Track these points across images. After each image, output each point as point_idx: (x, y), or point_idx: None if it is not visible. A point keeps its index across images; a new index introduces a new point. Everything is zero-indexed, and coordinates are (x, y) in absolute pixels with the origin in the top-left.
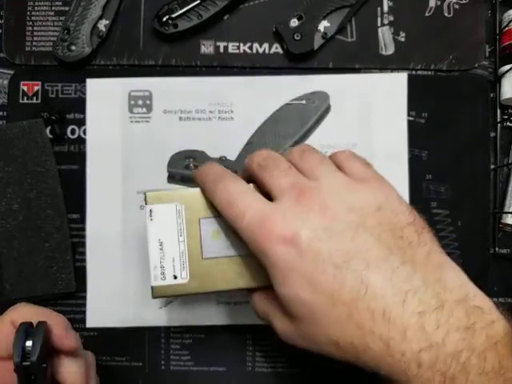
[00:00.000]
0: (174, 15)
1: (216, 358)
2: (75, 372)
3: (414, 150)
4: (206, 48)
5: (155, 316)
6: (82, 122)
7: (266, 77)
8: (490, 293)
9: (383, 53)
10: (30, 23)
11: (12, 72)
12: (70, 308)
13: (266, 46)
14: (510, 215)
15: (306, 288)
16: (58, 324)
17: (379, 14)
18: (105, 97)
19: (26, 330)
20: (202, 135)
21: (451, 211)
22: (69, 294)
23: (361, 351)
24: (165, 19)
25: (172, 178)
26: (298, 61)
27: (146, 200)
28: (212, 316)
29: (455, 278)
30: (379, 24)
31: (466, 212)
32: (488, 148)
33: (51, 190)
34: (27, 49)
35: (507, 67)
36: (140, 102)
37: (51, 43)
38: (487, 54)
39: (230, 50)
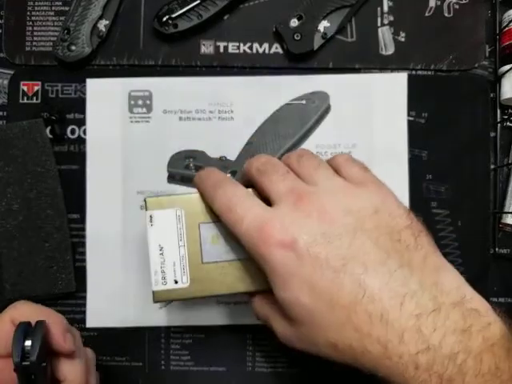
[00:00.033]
0: (174, 15)
1: (216, 357)
2: (75, 370)
3: (414, 150)
4: (206, 48)
5: (155, 316)
6: (81, 122)
7: (266, 77)
8: (489, 293)
9: (383, 53)
10: (30, 23)
11: (12, 72)
12: (69, 308)
13: (266, 45)
14: (509, 215)
15: (306, 292)
16: (56, 323)
17: (379, 14)
18: (105, 97)
19: (25, 329)
20: (202, 135)
21: (451, 211)
22: (69, 294)
23: (359, 353)
24: (165, 19)
25: (172, 178)
26: (297, 61)
27: (146, 206)
28: (212, 316)
29: (452, 281)
30: (379, 24)
31: (466, 212)
32: (488, 148)
33: (51, 190)
34: (27, 49)
35: (507, 67)
36: (140, 102)
37: (51, 43)
38: (487, 54)
39: (230, 50)
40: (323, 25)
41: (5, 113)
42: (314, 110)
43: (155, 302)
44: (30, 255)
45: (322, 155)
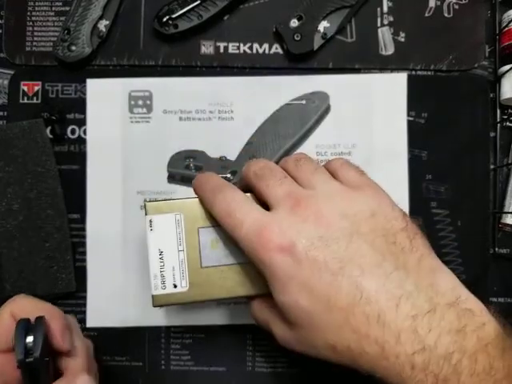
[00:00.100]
0: (174, 15)
1: (216, 357)
2: (75, 362)
3: (414, 150)
4: (206, 48)
5: (155, 316)
6: (82, 122)
7: (266, 77)
8: (489, 293)
9: (383, 53)
10: (31, 23)
11: (12, 72)
12: (70, 308)
13: (265, 46)
14: (509, 215)
15: (304, 295)
16: (55, 319)
17: (379, 14)
18: (105, 97)
19: (26, 325)
20: (202, 135)
21: (451, 211)
22: (69, 293)
23: (357, 355)
24: (165, 19)
25: (172, 178)
26: (297, 61)
27: (145, 210)
28: (212, 316)
29: (447, 282)
30: (379, 24)
31: (465, 212)
32: (488, 148)
33: (51, 190)
34: (27, 49)
35: (507, 67)
36: (140, 102)
37: (51, 43)
38: (487, 54)
39: (230, 51)
40: (323, 25)
41: (5, 113)
42: (314, 110)
43: (154, 306)
44: (30, 255)
45: (321, 155)
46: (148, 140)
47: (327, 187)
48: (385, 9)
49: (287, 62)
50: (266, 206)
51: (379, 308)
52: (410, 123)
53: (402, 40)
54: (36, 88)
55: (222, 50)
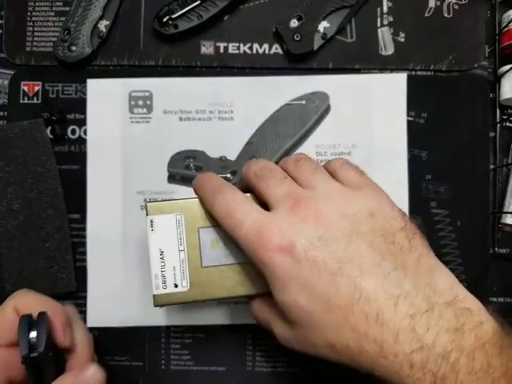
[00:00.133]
0: (174, 16)
1: (216, 357)
2: (80, 355)
3: (414, 150)
4: (206, 48)
5: (155, 316)
6: (82, 122)
7: (266, 77)
8: (489, 293)
9: (383, 53)
10: (31, 23)
11: (12, 72)
12: None
13: (265, 46)
14: (509, 215)
15: (304, 294)
16: (57, 314)
17: (379, 14)
18: (105, 97)
19: (29, 321)
20: (202, 135)
21: (451, 211)
22: (69, 293)
23: (356, 353)
24: (165, 20)
25: (172, 178)
26: (297, 61)
27: (146, 211)
28: (212, 316)
29: (445, 281)
30: (379, 24)
31: (465, 212)
32: (487, 148)
33: (52, 190)
34: (28, 49)
35: (507, 67)
36: (140, 103)
37: (52, 43)
38: (487, 55)
39: (230, 51)
40: (323, 25)
41: (5, 113)
42: (314, 111)
43: (155, 305)
44: (30, 255)
45: (321, 155)
46: (148, 140)
47: (327, 187)
48: (385, 9)
49: (287, 62)
50: (265, 206)
51: (378, 307)
52: (409, 123)
53: (402, 40)
54: (36, 88)
55: (222, 50)
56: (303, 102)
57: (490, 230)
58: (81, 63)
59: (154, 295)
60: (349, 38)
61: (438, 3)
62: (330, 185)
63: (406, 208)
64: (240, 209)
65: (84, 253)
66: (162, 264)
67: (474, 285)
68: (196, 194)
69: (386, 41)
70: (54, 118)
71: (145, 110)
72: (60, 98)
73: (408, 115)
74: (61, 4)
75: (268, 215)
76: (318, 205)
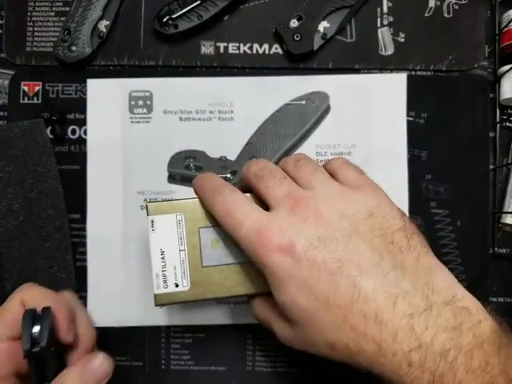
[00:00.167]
0: (174, 16)
1: (216, 357)
2: (84, 348)
3: (414, 150)
4: (206, 48)
5: (155, 315)
6: (82, 123)
7: (266, 77)
8: (489, 292)
9: (383, 53)
10: (31, 23)
11: (13, 72)
12: None
13: (265, 46)
14: (509, 215)
15: (304, 294)
16: (62, 309)
17: (379, 14)
18: (105, 97)
19: (33, 315)
20: (202, 135)
21: (450, 211)
22: None
23: (355, 352)
24: (165, 20)
25: (172, 178)
26: (297, 61)
27: (147, 211)
28: (212, 315)
29: (444, 281)
30: (379, 25)
31: (465, 212)
32: (487, 148)
33: (52, 190)
34: (28, 49)
35: (507, 67)
36: (140, 103)
37: (52, 43)
38: (487, 55)
39: (230, 51)
40: (323, 25)
41: (5, 113)
42: (314, 111)
43: (157, 305)
44: (30, 255)
45: (321, 155)
46: (148, 140)
47: (326, 188)
48: (385, 9)
49: (287, 62)
50: (265, 206)
51: (377, 306)
52: (409, 123)
53: (402, 40)
54: (36, 88)
55: (222, 51)
56: (303, 102)
57: (490, 230)
58: (81, 63)
59: (155, 294)
60: (349, 38)
61: (438, 3)
62: (330, 185)
63: (405, 208)
64: (240, 209)
65: (84, 253)
66: (163, 263)
67: (474, 285)
68: (196, 194)
69: (385, 41)
70: (54, 118)
71: (145, 110)
72: (60, 98)
73: (408, 115)
74: (61, 4)
75: (268, 215)
76: (318, 205)
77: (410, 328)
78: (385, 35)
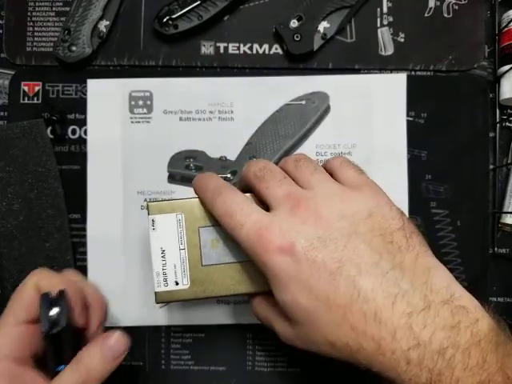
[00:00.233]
0: (174, 16)
1: (216, 357)
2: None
3: (414, 150)
4: (206, 49)
5: (155, 315)
6: (82, 123)
7: (266, 77)
8: (489, 292)
9: (383, 53)
10: (31, 24)
11: (13, 72)
12: None
13: (265, 46)
14: (509, 215)
15: (304, 294)
16: (75, 294)
17: (379, 14)
18: (105, 97)
19: (49, 298)
20: (202, 135)
21: (450, 211)
22: None
23: (355, 351)
24: (165, 20)
25: (172, 178)
26: (297, 61)
27: (148, 210)
28: (212, 315)
29: (442, 280)
30: (379, 25)
31: (465, 212)
32: (487, 148)
33: (52, 190)
34: (28, 49)
35: (506, 67)
36: (140, 103)
37: (52, 44)
38: (486, 55)
39: (230, 51)
40: (323, 25)
41: (5, 113)
42: (314, 111)
43: (157, 302)
44: (30, 255)
45: (321, 155)
46: (148, 140)
47: (326, 188)
48: (384, 9)
49: (287, 63)
50: (266, 206)
51: (376, 306)
52: (409, 123)
53: (402, 40)
54: (36, 88)
55: (222, 51)
56: (303, 102)
57: (490, 230)
58: (81, 63)
59: (155, 292)
60: (349, 38)
61: (438, 3)
62: (330, 185)
63: (405, 208)
64: (240, 210)
65: (84, 253)
66: (164, 262)
67: (474, 285)
68: (196, 194)
69: (385, 41)
70: (55, 118)
71: (145, 110)
72: (60, 98)
73: (408, 115)
74: (61, 4)
75: (268, 216)
76: (318, 206)
77: (409, 327)
78: (385, 35)
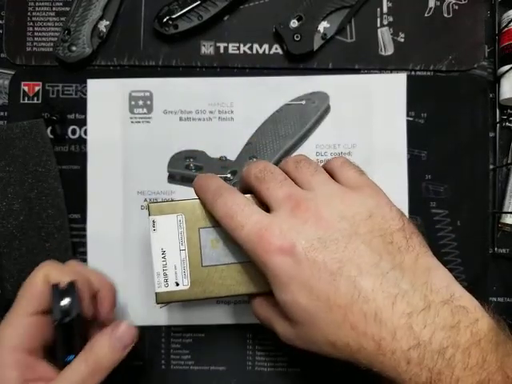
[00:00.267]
0: (174, 16)
1: (216, 357)
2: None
3: (414, 150)
4: (206, 49)
5: (155, 315)
6: (82, 123)
7: (266, 77)
8: (489, 292)
9: (383, 53)
10: (31, 24)
11: (13, 72)
12: None
13: (265, 46)
14: (509, 215)
15: (305, 294)
16: (84, 285)
17: (379, 14)
18: (105, 97)
19: (60, 289)
20: (202, 135)
21: (450, 211)
22: None
23: (355, 350)
24: (165, 20)
25: (172, 178)
26: (297, 61)
27: (149, 211)
28: (212, 315)
29: (442, 280)
30: (379, 25)
31: (465, 212)
32: (487, 148)
33: (52, 190)
34: (28, 49)
35: (506, 67)
36: (140, 103)
37: (52, 44)
38: (486, 55)
39: (230, 51)
40: (323, 25)
41: (5, 113)
42: (314, 111)
43: (158, 303)
44: (30, 255)
45: (321, 155)
46: (148, 140)
47: (327, 189)
48: (384, 9)
49: (287, 63)
50: (266, 207)
51: (376, 306)
52: (409, 123)
53: (402, 40)
54: (36, 88)
55: (222, 51)
56: (303, 102)
57: (490, 230)
58: (81, 63)
59: (156, 293)
60: (349, 38)
61: (438, 3)
62: (330, 186)
63: (405, 208)
64: (241, 211)
65: (84, 253)
66: (164, 263)
67: (474, 284)
68: (196, 195)
69: (385, 41)
70: (55, 118)
71: (145, 110)
72: (60, 98)
73: (408, 115)
74: (61, 4)
75: (269, 217)
76: (318, 207)
77: (409, 327)
78: (385, 35)
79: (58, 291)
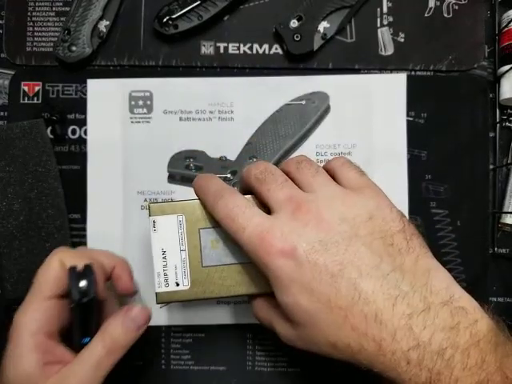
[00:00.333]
0: (174, 16)
1: (216, 357)
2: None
3: (414, 150)
4: (206, 49)
5: (155, 315)
6: (82, 123)
7: (266, 77)
8: (489, 292)
9: (383, 53)
10: (31, 24)
11: (13, 72)
12: None
13: (265, 46)
14: (509, 215)
15: (305, 296)
16: (99, 268)
17: (379, 14)
18: (105, 97)
19: (77, 272)
20: (202, 135)
21: (450, 211)
22: None
23: (356, 351)
24: (165, 20)
25: (172, 178)
26: (297, 61)
27: (149, 211)
28: (212, 315)
29: (441, 281)
30: (379, 25)
31: (465, 212)
32: (487, 148)
33: (52, 190)
34: (28, 49)
35: (506, 67)
36: (140, 103)
37: (52, 44)
38: (486, 55)
39: (230, 51)
40: (323, 25)
41: (5, 113)
42: (314, 111)
43: (158, 303)
44: (30, 255)
45: (321, 155)
46: (148, 140)
47: (327, 191)
48: (384, 9)
49: (287, 63)
50: (267, 208)
51: (376, 308)
52: (409, 123)
53: (402, 40)
54: (36, 88)
55: (222, 51)
56: (303, 102)
57: (490, 230)
58: (81, 63)
59: (156, 293)
60: (349, 38)
61: (438, 3)
62: (331, 188)
63: (405, 208)
64: (242, 213)
65: None
66: (164, 263)
67: (474, 285)
68: (196, 195)
69: (385, 41)
70: (55, 118)
71: (145, 110)
72: (60, 98)
73: (408, 115)
74: (61, 4)
75: (270, 219)
76: (319, 209)
77: (409, 328)
78: (385, 35)
79: (75, 273)
